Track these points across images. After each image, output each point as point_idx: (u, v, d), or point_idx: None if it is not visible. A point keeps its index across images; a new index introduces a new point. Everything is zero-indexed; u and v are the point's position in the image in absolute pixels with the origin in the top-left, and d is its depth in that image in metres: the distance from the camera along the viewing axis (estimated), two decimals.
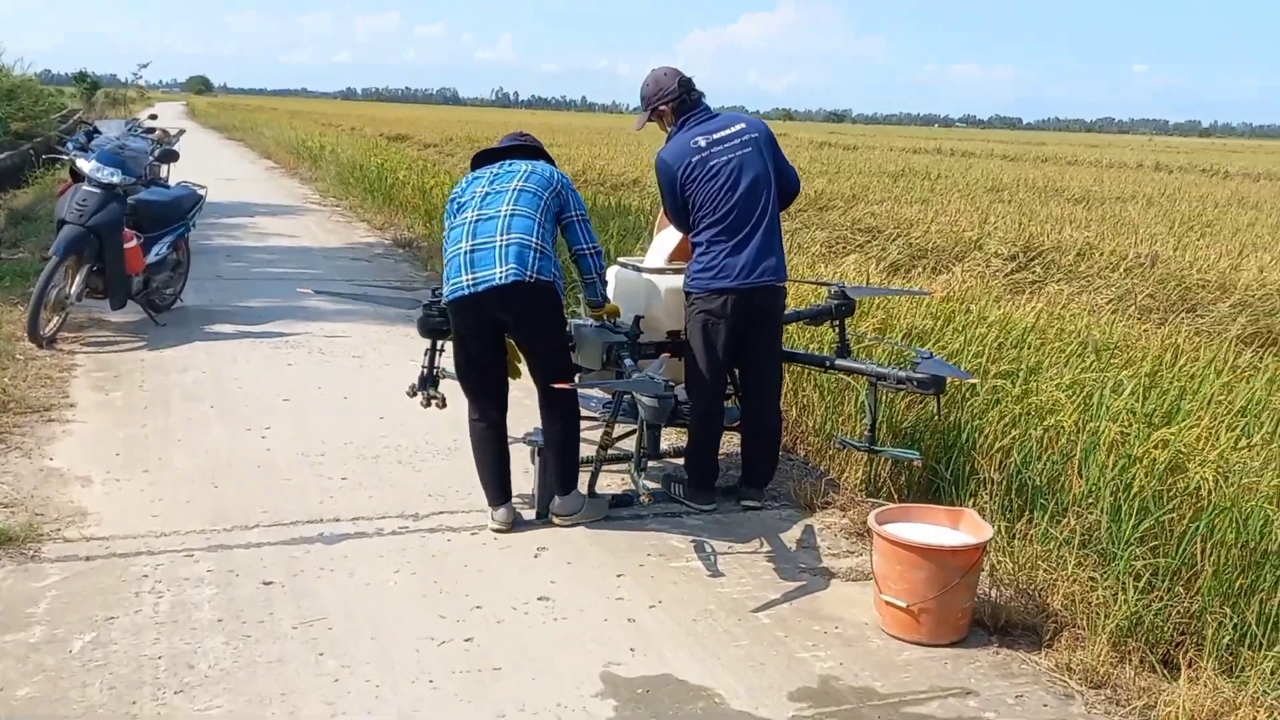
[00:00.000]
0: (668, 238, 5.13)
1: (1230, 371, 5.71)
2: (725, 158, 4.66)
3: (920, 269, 10.47)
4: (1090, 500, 4.25)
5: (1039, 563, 4.09)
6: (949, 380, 4.64)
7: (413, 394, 5.07)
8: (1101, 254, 11.01)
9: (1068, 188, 20.76)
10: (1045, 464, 4.50)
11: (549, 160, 4.74)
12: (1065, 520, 4.20)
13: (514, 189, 4.45)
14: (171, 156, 9.31)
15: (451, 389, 5.23)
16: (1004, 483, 4.57)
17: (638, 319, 4.87)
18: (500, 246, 4.32)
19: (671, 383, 4.14)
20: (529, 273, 4.30)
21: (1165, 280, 9.73)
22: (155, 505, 4.71)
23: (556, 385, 4.33)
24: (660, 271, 5.05)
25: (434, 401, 5.00)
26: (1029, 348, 5.81)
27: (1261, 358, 6.23)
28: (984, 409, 5.10)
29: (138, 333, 7.93)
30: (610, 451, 4.96)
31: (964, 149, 40.43)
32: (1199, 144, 73.29)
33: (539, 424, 4.99)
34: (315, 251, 12.38)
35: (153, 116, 13.13)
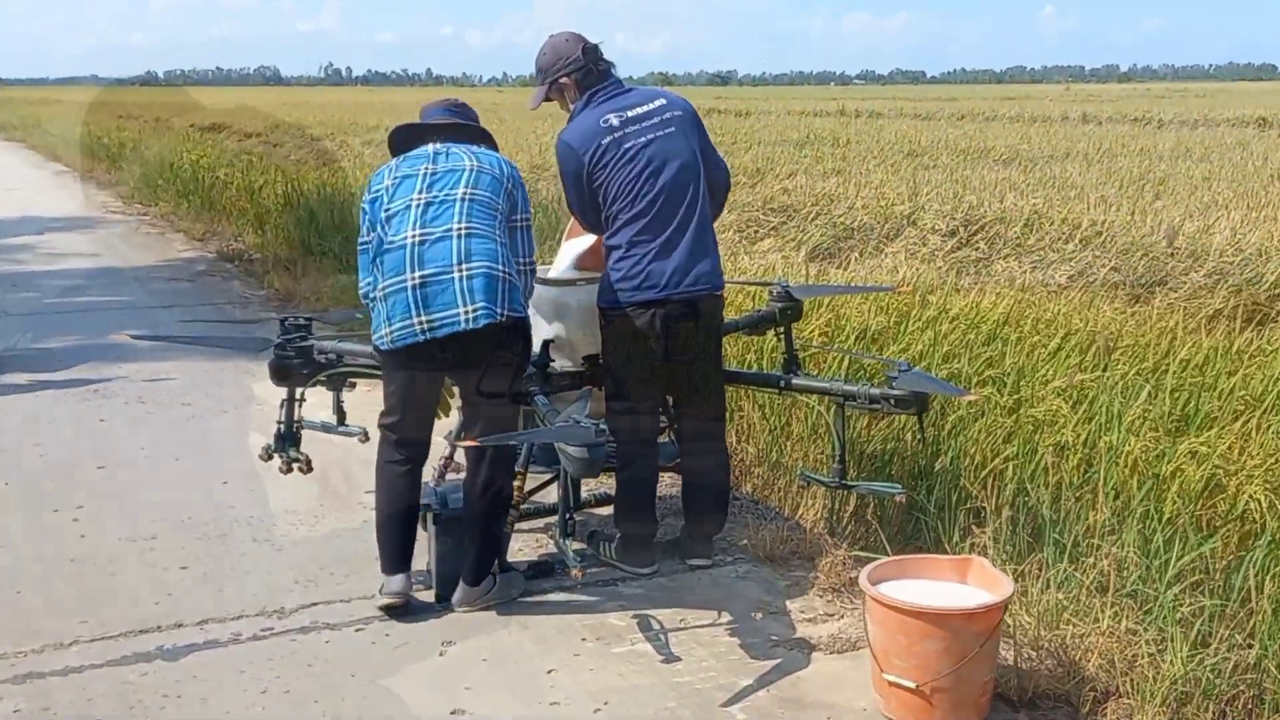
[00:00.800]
0: (577, 244, 4.81)
1: (1236, 357, 5.61)
2: (644, 139, 4.37)
3: (853, 252, 10.36)
4: (1109, 530, 4.09)
5: (1064, 614, 3.87)
6: (932, 397, 4.41)
7: (268, 457, 4.68)
8: (1052, 223, 11.01)
9: (994, 148, 20.99)
10: (1054, 489, 4.33)
11: (491, 142, 4.40)
12: (1088, 559, 4.00)
13: (462, 197, 4.08)
14: None
15: (317, 447, 4.86)
16: (1003, 514, 4.36)
17: (546, 344, 4.57)
18: (461, 279, 3.96)
19: (602, 426, 3.81)
20: (501, 310, 3.98)
21: (1129, 250, 9.73)
22: None
23: (462, 443, 3.98)
24: (571, 283, 4.73)
25: (296, 465, 4.61)
26: (1009, 344, 5.66)
27: (1268, 338, 6.15)
28: (967, 423, 4.94)
29: None
30: (523, 506, 4.66)
31: (869, 108, 40.93)
32: (1121, 90, 75.70)
33: (430, 480, 4.67)
34: (124, 273, 11.80)
35: None
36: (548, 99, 4.61)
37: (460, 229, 4.01)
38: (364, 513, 5.03)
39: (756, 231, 12.22)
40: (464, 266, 3.96)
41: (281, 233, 12.30)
